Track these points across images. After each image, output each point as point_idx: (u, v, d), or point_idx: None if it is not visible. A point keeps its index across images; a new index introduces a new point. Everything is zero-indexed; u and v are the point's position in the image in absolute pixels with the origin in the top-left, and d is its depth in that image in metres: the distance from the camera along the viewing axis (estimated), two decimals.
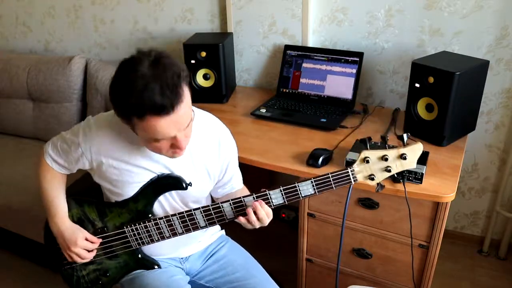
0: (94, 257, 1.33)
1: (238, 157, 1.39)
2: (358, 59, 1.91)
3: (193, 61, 2.01)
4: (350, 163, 1.45)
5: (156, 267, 1.34)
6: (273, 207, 1.20)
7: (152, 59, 1.00)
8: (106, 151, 1.21)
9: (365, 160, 1.12)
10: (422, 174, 1.37)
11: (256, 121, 1.88)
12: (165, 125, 1.01)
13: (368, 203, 1.51)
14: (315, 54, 2.00)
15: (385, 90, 2.03)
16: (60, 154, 1.29)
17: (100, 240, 1.31)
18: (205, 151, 1.27)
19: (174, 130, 1.03)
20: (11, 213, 1.98)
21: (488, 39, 1.78)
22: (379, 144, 1.45)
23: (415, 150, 1.12)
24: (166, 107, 0.98)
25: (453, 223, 2.23)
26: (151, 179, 1.24)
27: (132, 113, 1.01)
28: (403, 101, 1.85)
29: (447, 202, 1.37)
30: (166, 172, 1.24)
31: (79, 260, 1.29)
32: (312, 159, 1.51)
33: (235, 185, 1.38)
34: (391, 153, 1.11)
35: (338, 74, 1.95)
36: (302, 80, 2.03)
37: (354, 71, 1.92)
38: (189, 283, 1.36)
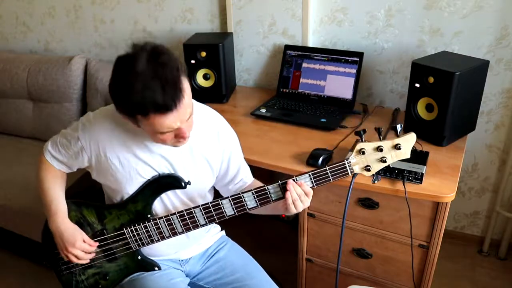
0: (94, 260, 1.32)
1: None
2: (358, 59, 1.91)
3: (193, 61, 2.01)
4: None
5: (156, 269, 1.33)
6: (272, 202, 1.19)
7: (149, 55, 0.99)
8: (105, 145, 1.21)
9: (361, 152, 1.15)
10: (422, 174, 1.37)
11: (256, 121, 1.88)
12: (169, 120, 1.03)
13: (368, 203, 1.51)
14: (315, 54, 2.00)
15: (385, 90, 2.03)
16: (59, 150, 1.29)
17: (97, 244, 1.29)
18: (204, 142, 1.27)
19: (178, 122, 1.05)
20: (11, 213, 1.98)
21: (488, 39, 1.78)
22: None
23: (409, 140, 1.14)
24: (169, 105, 1.00)
25: (453, 223, 2.23)
26: (149, 179, 1.23)
27: (135, 112, 1.03)
28: (403, 101, 1.85)
29: (447, 202, 1.37)
30: (166, 164, 1.23)
31: (75, 261, 1.27)
32: (312, 159, 1.51)
33: (246, 179, 1.37)
34: (386, 144, 1.14)
35: (338, 74, 1.95)
36: (302, 80, 2.03)
37: (354, 71, 1.92)
38: (188, 284, 1.36)
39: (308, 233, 1.69)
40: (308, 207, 1.62)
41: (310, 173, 1.16)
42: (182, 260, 1.41)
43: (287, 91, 2.07)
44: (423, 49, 1.89)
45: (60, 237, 1.26)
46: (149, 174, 1.24)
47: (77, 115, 2.36)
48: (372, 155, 1.15)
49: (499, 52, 1.79)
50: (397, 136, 1.15)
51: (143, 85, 0.97)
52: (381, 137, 1.16)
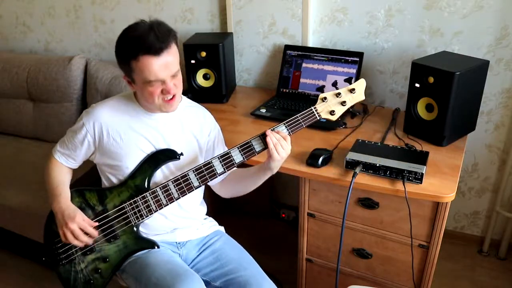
0: (94, 242, 1.35)
1: None
2: (358, 59, 1.91)
3: (193, 61, 2.01)
4: (350, 163, 1.45)
5: (155, 247, 1.38)
6: (256, 154, 1.31)
7: (151, 21, 1.24)
8: (107, 123, 1.35)
9: (324, 99, 1.33)
10: (422, 174, 1.37)
11: (256, 121, 1.88)
12: (156, 65, 1.21)
13: (368, 203, 1.51)
14: (315, 54, 2.00)
15: (385, 90, 2.04)
16: (66, 145, 1.41)
17: (96, 224, 1.34)
18: (192, 120, 1.43)
19: (163, 72, 1.23)
20: (11, 213, 1.98)
21: (488, 39, 1.78)
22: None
23: (360, 83, 1.35)
24: (156, 48, 1.19)
25: (453, 223, 2.23)
26: (146, 156, 1.36)
27: (130, 56, 1.22)
28: (403, 101, 1.85)
29: (447, 202, 1.37)
30: (159, 137, 1.37)
31: (71, 239, 1.29)
32: (312, 159, 1.51)
33: None
34: (343, 90, 1.33)
35: (338, 74, 1.95)
36: (302, 80, 2.03)
37: (354, 71, 1.92)
38: None
39: (308, 233, 1.69)
40: (308, 207, 1.63)
41: (285, 122, 1.31)
42: (178, 243, 1.45)
43: (287, 91, 2.07)
44: (423, 49, 1.89)
45: (61, 214, 1.32)
46: (146, 147, 1.36)
47: (77, 115, 2.35)
48: (333, 100, 1.33)
49: (499, 52, 1.79)
50: (351, 84, 1.36)
51: (139, 32, 1.21)
52: (337, 87, 1.36)
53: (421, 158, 1.45)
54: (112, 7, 2.42)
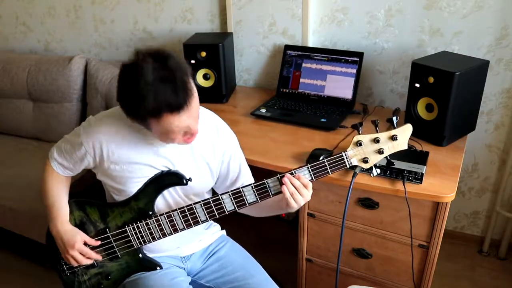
0: (96, 260, 1.33)
1: None
2: (358, 59, 1.91)
3: (193, 61, 2.01)
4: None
5: (158, 268, 1.33)
6: (271, 196, 1.20)
7: (154, 61, 1.03)
8: (108, 146, 1.23)
9: (358, 144, 1.16)
10: (422, 174, 1.37)
11: (256, 121, 1.88)
12: (181, 120, 1.07)
13: (368, 203, 1.51)
14: (315, 54, 2.00)
15: (385, 90, 2.03)
16: (65, 156, 1.31)
17: (99, 242, 1.30)
18: (203, 142, 1.29)
19: (188, 121, 1.09)
20: (11, 213, 1.98)
21: (488, 39, 1.78)
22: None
23: (405, 130, 1.16)
24: (181, 105, 1.04)
25: (453, 223, 2.23)
26: (151, 177, 1.25)
27: (149, 117, 1.06)
28: (403, 101, 1.85)
29: (447, 202, 1.37)
30: (167, 164, 1.25)
31: (75, 264, 1.28)
32: (312, 159, 1.51)
33: (247, 183, 1.35)
34: (383, 135, 1.15)
35: (338, 74, 1.95)
36: (302, 80, 2.03)
37: (354, 71, 1.92)
38: (189, 283, 1.36)
39: (308, 233, 1.69)
40: (308, 207, 1.63)
41: (309, 166, 1.17)
42: (183, 257, 1.42)
43: (287, 91, 2.07)
44: (423, 49, 1.89)
45: (60, 239, 1.28)
46: (151, 174, 1.26)
47: (77, 115, 2.36)
48: (369, 146, 1.16)
49: (499, 52, 1.79)
50: (394, 127, 1.16)
51: (154, 91, 1.01)
52: (377, 129, 1.18)
53: (421, 158, 1.45)
54: (112, 7, 2.42)
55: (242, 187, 1.19)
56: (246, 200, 1.20)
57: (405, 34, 1.90)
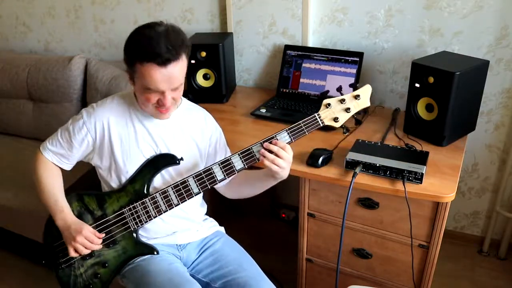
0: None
1: None
2: (358, 59, 1.91)
3: (193, 61, 2.01)
4: (350, 163, 1.45)
5: (155, 253, 1.37)
6: (257, 161, 1.28)
7: (169, 25, 1.22)
8: (109, 123, 1.34)
9: (327, 105, 1.31)
10: (422, 174, 1.37)
11: (256, 121, 1.88)
12: (158, 76, 1.18)
13: (368, 203, 1.51)
14: (315, 54, 2.00)
15: (385, 90, 2.03)
16: (62, 145, 1.37)
17: (103, 235, 1.34)
18: (193, 125, 1.42)
19: (164, 85, 1.20)
20: (11, 213, 1.98)
21: (488, 39, 1.78)
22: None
23: (366, 90, 1.33)
24: (164, 58, 1.16)
25: (453, 223, 2.23)
26: (146, 160, 1.35)
27: (136, 58, 1.18)
28: (403, 101, 1.85)
29: (447, 202, 1.37)
30: (160, 142, 1.36)
31: (81, 251, 1.30)
32: (312, 159, 1.51)
33: None
34: (347, 96, 1.30)
35: (338, 74, 1.95)
36: (302, 80, 2.03)
37: (354, 71, 1.92)
38: None
39: (308, 233, 1.69)
40: (308, 207, 1.63)
41: (287, 129, 1.28)
42: (179, 245, 1.45)
43: (287, 91, 2.07)
44: (423, 49, 1.89)
45: (68, 230, 1.31)
46: (147, 151, 1.36)
47: None
48: (337, 106, 1.31)
49: (499, 52, 1.79)
50: (356, 89, 1.33)
51: (152, 36, 1.16)
52: (341, 93, 1.34)
53: (421, 158, 1.45)
54: (112, 7, 2.42)
55: (229, 156, 1.29)
56: (235, 167, 1.28)
57: (405, 34, 1.90)
